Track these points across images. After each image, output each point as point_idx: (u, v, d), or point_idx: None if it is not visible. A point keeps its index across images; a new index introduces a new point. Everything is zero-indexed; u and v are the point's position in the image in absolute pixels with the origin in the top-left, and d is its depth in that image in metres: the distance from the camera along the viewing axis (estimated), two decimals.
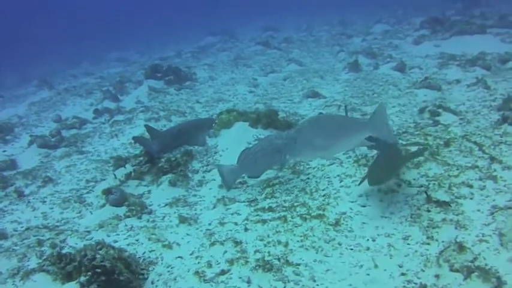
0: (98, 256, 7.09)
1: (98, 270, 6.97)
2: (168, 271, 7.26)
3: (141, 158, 11.40)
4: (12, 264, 8.40)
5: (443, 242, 6.05)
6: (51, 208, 10.84)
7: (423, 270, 5.77)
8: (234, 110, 13.37)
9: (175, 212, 9.11)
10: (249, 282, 6.44)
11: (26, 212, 10.78)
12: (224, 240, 7.45)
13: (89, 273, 6.99)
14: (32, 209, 10.94)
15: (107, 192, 10.48)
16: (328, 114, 8.51)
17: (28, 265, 8.23)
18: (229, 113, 12.92)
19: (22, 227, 9.96)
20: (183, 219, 8.72)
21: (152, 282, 7.20)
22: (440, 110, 11.80)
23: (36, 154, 14.53)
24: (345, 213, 7.56)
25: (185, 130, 11.35)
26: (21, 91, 27.23)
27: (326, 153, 7.45)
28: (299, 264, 6.65)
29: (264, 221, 7.75)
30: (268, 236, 7.35)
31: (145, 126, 12.08)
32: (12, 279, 7.94)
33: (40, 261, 8.07)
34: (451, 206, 6.73)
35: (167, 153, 10.90)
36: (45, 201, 11.23)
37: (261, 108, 14.81)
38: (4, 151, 15.45)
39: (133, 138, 11.94)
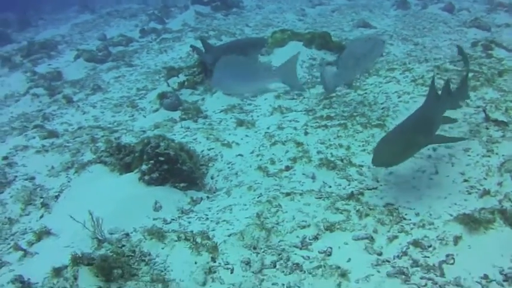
0: (161, 144, 7.36)
1: (161, 159, 7.25)
2: (229, 167, 7.66)
3: (195, 69, 11.87)
4: (65, 158, 9.01)
5: (503, 155, 6.21)
6: (102, 112, 11.46)
7: (485, 178, 5.94)
8: (288, 30, 13.74)
9: (231, 118, 9.49)
10: (313, 178, 6.62)
11: (76, 115, 11.44)
12: (285, 141, 7.80)
13: (152, 161, 7.28)
14: (82, 112, 11.59)
15: (162, 96, 10.77)
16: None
17: (82, 159, 8.79)
18: (283, 32, 13.30)
19: (73, 128, 10.49)
20: (240, 123, 9.11)
21: (212, 177, 7.61)
22: (493, 45, 12.03)
23: (83, 67, 15.12)
24: None
25: (237, 46, 11.71)
26: (61, 15, 28.12)
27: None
28: (362, 166, 6.94)
29: (324, 127, 8.09)
30: (329, 140, 7.68)
31: (200, 38, 12.57)
32: (65, 172, 8.55)
33: (95, 156, 8.53)
34: (508, 126, 7.17)
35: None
36: (95, 106, 11.87)
37: None
38: (49, 64, 16.13)
39: (192, 46, 12.08)
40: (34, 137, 9.96)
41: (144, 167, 7.27)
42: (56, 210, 7.41)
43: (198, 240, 5.44)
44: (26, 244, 6.52)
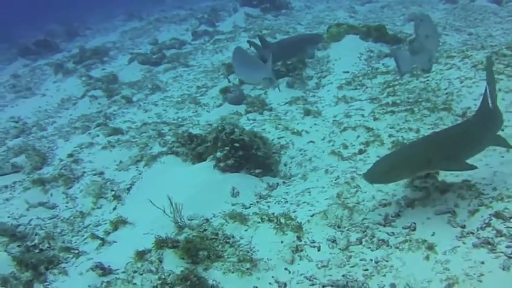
0: (236, 130, 7.46)
1: (236, 145, 7.38)
2: (301, 154, 7.90)
3: None
4: (133, 153, 9.27)
5: None
6: (165, 110, 11.75)
7: None
8: (343, 24, 13.99)
9: (296, 109, 9.73)
10: None
11: (138, 114, 11.81)
12: (355, 127, 8.03)
13: (227, 148, 7.41)
14: (144, 111, 11.95)
15: (225, 91, 10.89)
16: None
17: (151, 152, 9.02)
18: (339, 26, 13.58)
19: (136, 125, 10.75)
20: (307, 112, 9.35)
21: (285, 164, 7.82)
22: None
23: (138, 70, 15.52)
24: (469, 107, 7.90)
25: (294, 42, 12.35)
26: (108, 24, 29.10)
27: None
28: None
29: (391, 112, 8.26)
30: (398, 124, 7.81)
31: (258, 36, 12.90)
32: (135, 165, 8.78)
33: (165, 148, 8.76)
34: None
35: (277, 62, 11.52)
36: (157, 105, 12.22)
37: None
38: (103, 69, 16.61)
39: (249, 41, 12.30)
40: (98, 135, 10.31)
41: (218, 154, 7.41)
42: (129, 202, 7.63)
43: (282, 220, 5.62)
44: (103, 234, 6.72)
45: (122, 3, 34.76)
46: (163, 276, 4.98)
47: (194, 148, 8.02)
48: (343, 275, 4.59)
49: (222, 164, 7.33)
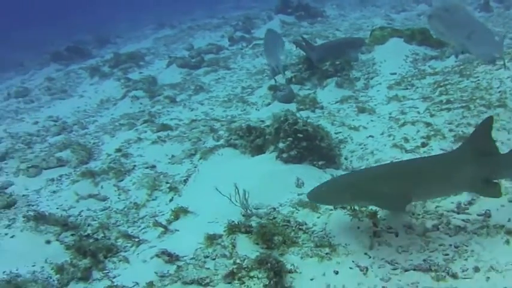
0: (299, 120, 7.41)
1: (300, 135, 7.29)
2: (361, 148, 7.92)
3: (300, 66, 12.23)
4: (186, 147, 9.30)
5: None
6: (212, 108, 11.76)
7: None
8: (387, 27, 14.09)
9: (349, 107, 9.76)
10: None
11: (184, 112, 11.86)
12: (414, 122, 8.09)
13: (290, 138, 7.34)
14: (189, 109, 12.01)
15: (275, 89, 10.78)
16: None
17: (205, 146, 9.03)
18: (383, 29, 13.62)
19: (184, 122, 10.68)
20: (362, 109, 9.38)
21: (346, 158, 7.81)
22: None
23: (177, 73, 15.58)
24: None
25: (338, 45, 12.75)
26: (138, 33, 29.37)
27: None
28: (495, 141, 6.74)
29: (447, 109, 8.28)
30: (455, 120, 7.83)
31: (301, 37, 13.07)
32: (189, 158, 8.78)
33: (219, 141, 8.83)
34: None
35: (322, 63, 11.65)
36: (203, 104, 12.27)
37: None
38: (140, 72, 16.70)
39: (294, 42, 12.30)
40: (145, 131, 10.36)
41: (281, 144, 7.37)
42: (186, 193, 7.57)
43: (356, 208, 5.57)
44: (164, 223, 6.58)
45: (149, 14, 35.03)
46: (238, 261, 4.90)
47: (253, 140, 7.97)
48: (423, 260, 4.67)
49: (284, 155, 7.29)
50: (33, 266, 6.14)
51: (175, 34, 24.73)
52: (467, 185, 4.94)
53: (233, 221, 5.58)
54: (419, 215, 5.42)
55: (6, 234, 7.02)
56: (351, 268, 4.72)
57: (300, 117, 7.59)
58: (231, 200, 6.09)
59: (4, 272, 5.99)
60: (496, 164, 4.95)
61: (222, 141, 8.62)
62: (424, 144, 7.29)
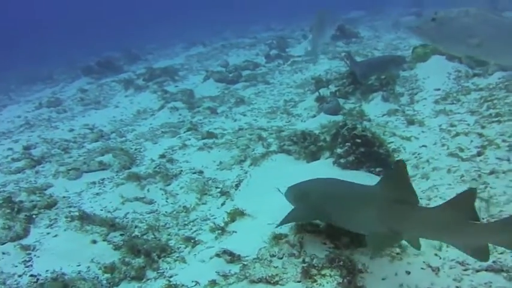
0: (358, 126, 7.38)
1: (358, 141, 7.23)
2: (415, 157, 7.84)
3: (344, 80, 12.19)
4: (234, 153, 9.22)
5: None
6: (255, 119, 11.71)
7: None
8: (429, 45, 13.78)
9: (397, 119, 9.72)
10: (509, 160, 6.83)
11: (227, 122, 11.81)
12: (467, 133, 8.09)
13: (348, 144, 7.30)
14: (232, 120, 11.99)
15: (321, 100, 10.70)
16: None
17: (254, 153, 8.96)
18: (425, 47, 13.56)
19: (229, 131, 10.66)
20: (411, 121, 9.35)
21: None
22: None
23: (214, 87, 15.63)
24: None
25: (381, 62, 12.86)
26: (168, 51, 29.63)
27: None
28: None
29: (498, 122, 8.26)
30: (507, 131, 7.77)
31: (346, 53, 13.23)
32: (239, 165, 8.75)
33: (268, 149, 8.86)
34: None
35: (364, 78, 11.77)
36: (245, 115, 12.27)
37: None
38: (176, 86, 16.61)
39: (345, 54, 12.36)
40: (189, 139, 10.28)
41: (339, 150, 7.31)
42: (239, 197, 7.44)
43: None
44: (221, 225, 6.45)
45: (177, 34, 35.49)
46: (307, 259, 4.78)
47: (307, 146, 7.87)
48: (493, 261, 4.62)
49: (342, 160, 7.22)
50: (78, 265, 6.03)
51: (208, 52, 24.88)
52: (366, 227, 4.54)
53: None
54: (483, 218, 5.37)
55: (48, 233, 6.97)
56: (422, 268, 4.74)
57: (359, 123, 7.38)
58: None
59: (47, 270, 5.89)
60: (406, 216, 4.31)
61: (274, 148, 8.57)
62: (479, 153, 7.26)
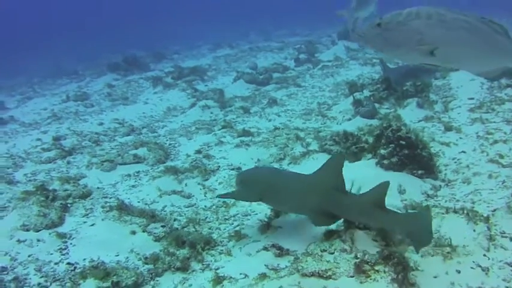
0: (403, 128, 7.36)
1: (402, 143, 7.26)
2: (455, 162, 7.94)
3: (379, 85, 12.24)
4: (273, 151, 9.26)
5: None
6: (289, 120, 11.73)
7: None
8: None
9: (433, 125, 9.77)
10: None
11: (261, 122, 11.86)
12: (505, 140, 8.18)
13: (392, 145, 7.33)
14: (267, 120, 12.02)
15: (357, 103, 10.69)
16: None
17: (293, 152, 8.99)
18: None
19: (262, 131, 10.70)
20: (448, 127, 9.41)
21: (439, 172, 7.70)
22: None
23: (245, 88, 15.72)
24: None
25: (412, 70, 12.68)
26: (194, 52, 29.68)
27: None
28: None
29: None
30: None
31: (380, 60, 13.44)
32: (278, 162, 8.76)
33: (305, 150, 8.83)
34: None
35: (397, 85, 11.91)
36: (279, 115, 12.29)
37: None
38: (206, 85, 16.71)
39: (381, 60, 12.45)
40: (225, 136, 10.28)
41: (382, 151, 7.34)
42: None
43: (469, 213, 5.67)
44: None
45: (203, 36, 35.64)
46: (359, 255, 4.77)
47: (349, 147, 7.85)
48: None
49: (386, 161, 7.25)
50: (117, 255, 6.02)
51: (236, 54, 24.95)
52: (307, 209, 5.37)
53: None
54: None
55: (84, 222, 7.04)
56: (472, 268, 4.79)
57: (404, 125, 7.37)
58: None
59: (84, 259, 5.91)
60: (339, 202, 5.18)
61: (314, 147, 8.55)
62: None
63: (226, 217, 6.96)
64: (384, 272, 4.57)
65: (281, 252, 5.44)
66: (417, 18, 4.45)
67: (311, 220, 5.31)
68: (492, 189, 6.57)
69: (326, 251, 5.07)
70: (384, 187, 4.90)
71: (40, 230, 6.77)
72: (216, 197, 6.88)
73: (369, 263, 4.68)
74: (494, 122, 9.39)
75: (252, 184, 5.97)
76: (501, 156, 7.57)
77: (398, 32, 4.53)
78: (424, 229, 4.82)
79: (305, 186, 5.42)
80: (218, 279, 5.19)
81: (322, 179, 5.26)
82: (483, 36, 4.46)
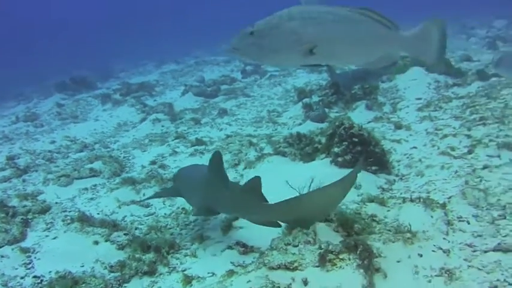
0: (355, 125, 7.60)
1: (355, 140, 7.49)
2: (407, 157, 8.17)
3: (327, 90, 12.54)
4: (227, 158, 9.36)
5: None
6: (241, 128, 12.04)
7: None
8: (407, 57, 14.21)
9: (383, 125, 10.03)
10: (499, 156, 7.17)
11: (213, 132, 12.06)
12: (455, 134, 8.44)
13: (345, 143, 7.53)
14: (218, 129, 12.24)
15: (307, 108, 11.00)
16: None
17: (248, 157, 9.20)
18: (404, 59, 14.02)
19: (214, 139, 11.02)
20: (399, 126, 9.71)
21: (393, 167, 7.96)
22: None
23: (193, 101, 15.85)
24: None
25: (359, 74, 13.55)
26: (140, 69, 29.64)
27: None
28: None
29: (483, 125, 8.64)
30: (493, 133, 8.12)
31: (327, 66, 13.40)
32: (233, 168, 8.97)
33: (259, 154, 8.98)
34: None
35: (344, 89, 12.25)
36: (230, 125, 12.54)
37: None
38: (154, 100, 16.78)
39: (327, 66, 12.70)
40: (178, 146, 10.33)
41: (336, 149, 7.55)
42: None
43: (425, 201, 5.95)
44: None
45: (146, 54, 35.50)
46: (323, 246, 4.88)
47: (303, 148, 8.05)
48: (498, 243, 4.89)
49: (340, 159, 7.45)
50: (82, 266, 6.03)
51: (182, 69, 25.01)
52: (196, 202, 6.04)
53: None
54: (483, 207, 5.70)
55: (46, 236, 6.99)
56: (433, 251, 4.95)
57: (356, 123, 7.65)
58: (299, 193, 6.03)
59: (50, 271, 5.90)
60: (216, 198, 5.60)
61: (269, 151, 8.71)
62: (470, 151, 7.54)
63: (187, 223, 7.04)
64: (349, 259, 4.70)
65: (245, 249, 5.60)
66: (290, 19, 4.19)
67: (194, 213, 6.17)
68: (446, 179, 6.80)
69: (290, 244, 5.19)
70: (255, 182, 5.10)
71: (2, 246, 6.70)
72: (141, 201, 7.67)
73: (333, 252, 4.80)
74: (443, 118, 9.73)
75: (176, 181, 6.71)
76: (452, 149, 7.80)
77: (273, 37, 4.21)
78: (305, 214, 5.07)
79: (197, 182, 5.88)
80: (187, 279, 5.30)
81: (206, 175, 5.66)
82: (360, 26, 4.26)
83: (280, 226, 5.21)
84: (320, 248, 4.92)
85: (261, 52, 4.28)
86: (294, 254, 4.98)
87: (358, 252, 4.75)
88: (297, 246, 5.11)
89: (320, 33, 4.19)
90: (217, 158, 5.48)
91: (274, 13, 4.28)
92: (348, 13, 4.22)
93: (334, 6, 4.27)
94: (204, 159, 9.23)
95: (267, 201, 5.15)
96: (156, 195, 7.09)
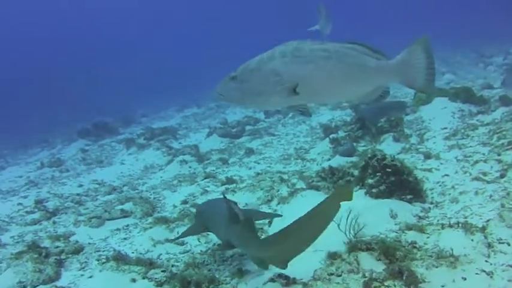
0: (388, 156, 7.64)
1: (389, 170, 7.51)
2: (440, 185, 8.14)
3: (353, 126, 12.69)
4: (258, 195, 9.42)
5: None
6: (269, 166, 12.03)
7: None
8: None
9: (412, 156, 9.98)
10: None
11: (242, 171, 12.03)
12: (485, 160, 8.42)
13: (378, 174, 7.56)
14: (247, 168, 12.23)
15: (335, 142, 11.06)
16: None
17: (280, 193, 9.16)
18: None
19: (245, 178, 10.99)
20: (428, 155, 9.66)
21: (427, 196, 7.89)
22: None
23: (219, 142, 15.92)
24: None
25: (383, 108, 13.09)
26: (162, 114, 29.74)
27: None
28: None
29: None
30: None
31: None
32: (266, 204, 8.92)
33: (292, 189, 8.94)
34: None
35: (368, 123, 12.32)
36: (259, 163, 12.54)
37: None
38: (179, 143, 16.85)
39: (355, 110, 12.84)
40: (208, 186, 10.37)
41: (370, 180, 7.59)
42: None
43: (464, 226, 5.93)
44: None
45: (167, 99, 35.90)
46: (367, 274, 4.92)
47: (336, 181, 8.04)
48: None
49: (374, 190, 7.46)
50: None
51: (204, 112, 25.30)
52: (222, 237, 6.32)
53: (351, 241, 5.80)
54: None
55: (82, 275, 7.02)
56: (477, 274, 4.94)
57: (388, 154, 7.66)
58: (339, 226, 6.06)
59: None
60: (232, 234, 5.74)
61: (302, 185, 8.67)
62: (502, 175, 7.53)
63: (224, 259, 6.98)
64: (394, 286, 4.70)
65: (288, 281, 5.49)
66: (271, 60, 4.08)
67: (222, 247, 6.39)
68: (481, 204, 6.77)
69: (333, 274, 5.20)
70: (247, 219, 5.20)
71: (37, 286, 6.70)
72: (175, 239, 7.70)
73: (378, 280, 4.80)
74: (471, 146, 9.70)
75: (199, 216, 6.92)
76: (484, 174, 7.76)
77: (254, 79, 4.13)
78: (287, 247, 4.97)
79: (220, 217, 6.00)
80: None
81: (224, 211, 5.82)
82: (347, 60, 4.08)
83: (267, 268, 5.18)
84: (364, 276, 4.94)
85: (244, 96, 4.22)
86: (338, 283, 4.99)
87: (403, 277, 4.75)
88: (341, 275, 5.14)
89: (301, 71, 4.04)
90: (230, 202, 5.81)
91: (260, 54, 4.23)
92: (333, 48, 4.07)
93: (330, 42, 4.14)
94: (237, 197, 9.23)
95: (257, 236, 5.24)
96: (186, 234, 6.94)
